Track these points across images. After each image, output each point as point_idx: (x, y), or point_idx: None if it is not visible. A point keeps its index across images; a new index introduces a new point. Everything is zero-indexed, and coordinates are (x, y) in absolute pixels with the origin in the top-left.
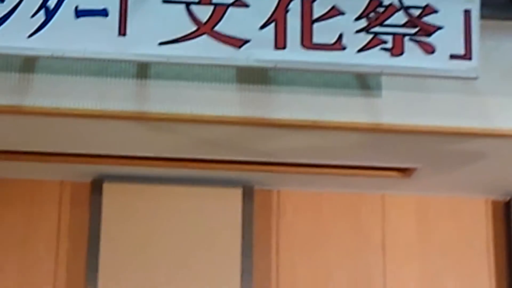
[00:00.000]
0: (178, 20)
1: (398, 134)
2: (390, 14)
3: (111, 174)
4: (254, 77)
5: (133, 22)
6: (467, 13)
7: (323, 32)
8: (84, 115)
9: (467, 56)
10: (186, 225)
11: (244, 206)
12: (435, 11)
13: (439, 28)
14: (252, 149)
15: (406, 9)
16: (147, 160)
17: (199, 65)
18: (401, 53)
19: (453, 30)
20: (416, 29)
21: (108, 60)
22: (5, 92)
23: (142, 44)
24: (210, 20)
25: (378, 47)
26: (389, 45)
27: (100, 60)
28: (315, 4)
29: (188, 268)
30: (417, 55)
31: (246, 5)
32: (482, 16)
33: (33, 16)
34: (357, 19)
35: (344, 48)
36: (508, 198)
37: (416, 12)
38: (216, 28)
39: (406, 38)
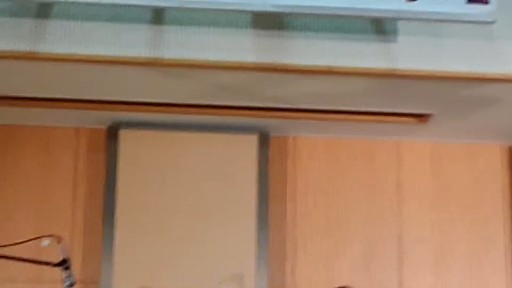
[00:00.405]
0: None
1: (413, 80)
2: None
3: (127, 120)
4: (269, 23)
5: None
6: None
7: None
8: (99, 61)
9: (484, 0)
10: (202, 171)
11: (260, 152)
12: None
13: None
14: (267, 95)
15: None
16: (163, 106)
17: (214, 10)
18: None
19: None
20: None
21: (123, 5)
22: (20, 38)
23: None
24: None
25: None
26: None
27: (115, 5)
28: None
29: (203, 213)
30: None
31: None
32: None
33: None
34: None
35: None
36: None
37: None
38: None
39: None
